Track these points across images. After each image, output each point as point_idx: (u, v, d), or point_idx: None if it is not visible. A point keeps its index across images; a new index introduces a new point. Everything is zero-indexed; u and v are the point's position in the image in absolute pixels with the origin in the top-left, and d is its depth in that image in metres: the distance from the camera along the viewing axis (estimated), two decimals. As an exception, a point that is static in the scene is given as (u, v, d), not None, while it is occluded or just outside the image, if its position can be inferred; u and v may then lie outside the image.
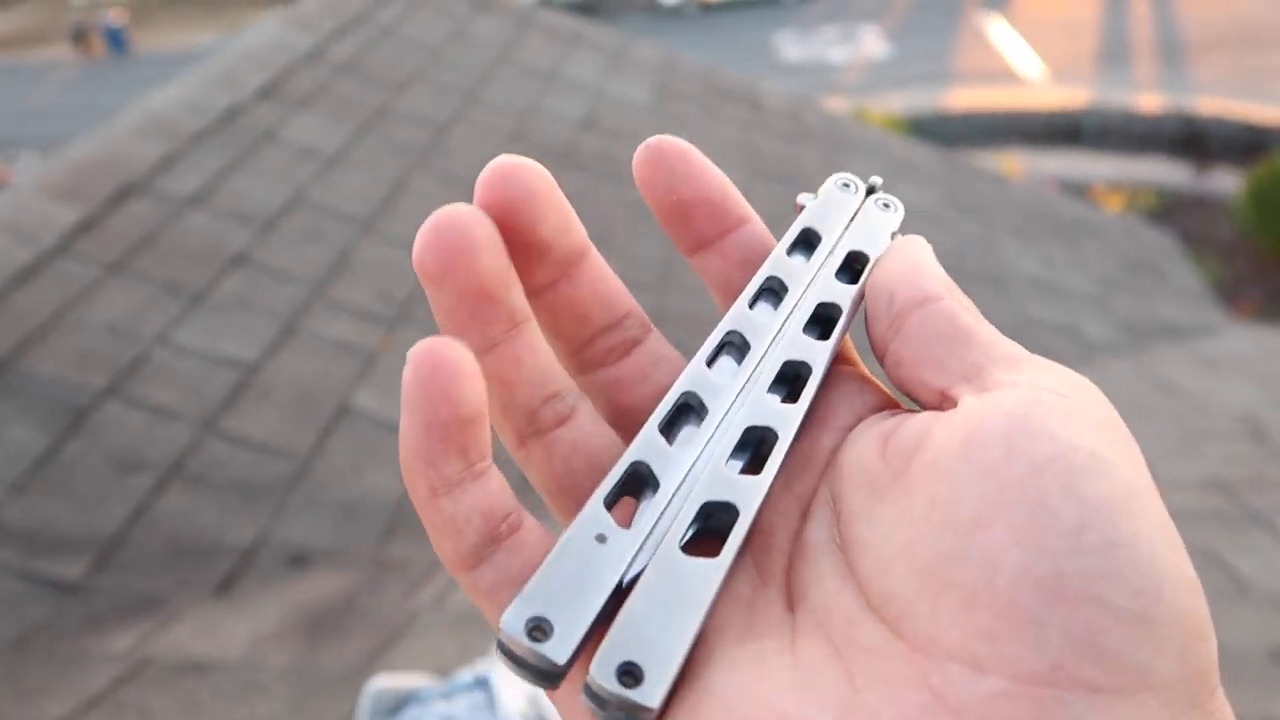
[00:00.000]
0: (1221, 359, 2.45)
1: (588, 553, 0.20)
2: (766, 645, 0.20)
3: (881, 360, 0.24)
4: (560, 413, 0.24)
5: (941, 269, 0.24)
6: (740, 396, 0.24)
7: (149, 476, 1.36)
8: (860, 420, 0.24)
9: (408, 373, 0.20)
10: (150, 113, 2.03)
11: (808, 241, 0.27)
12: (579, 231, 0.24)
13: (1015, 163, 6.53)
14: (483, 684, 0.80)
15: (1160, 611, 0.17)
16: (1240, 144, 6.76)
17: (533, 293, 0.24)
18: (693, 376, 0.24)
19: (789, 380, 0.24)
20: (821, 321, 0.26)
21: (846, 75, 9.64)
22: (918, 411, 0.23)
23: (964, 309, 0.23)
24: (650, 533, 0.21)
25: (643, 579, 0.20)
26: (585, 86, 2.72)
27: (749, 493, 0.22)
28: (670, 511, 0.21)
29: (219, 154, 1.97)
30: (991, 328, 0.22)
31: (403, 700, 0.84)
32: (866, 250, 0.27)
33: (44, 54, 12.91)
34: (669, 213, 0.26)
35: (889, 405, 0.25)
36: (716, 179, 0.26)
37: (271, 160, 2.02)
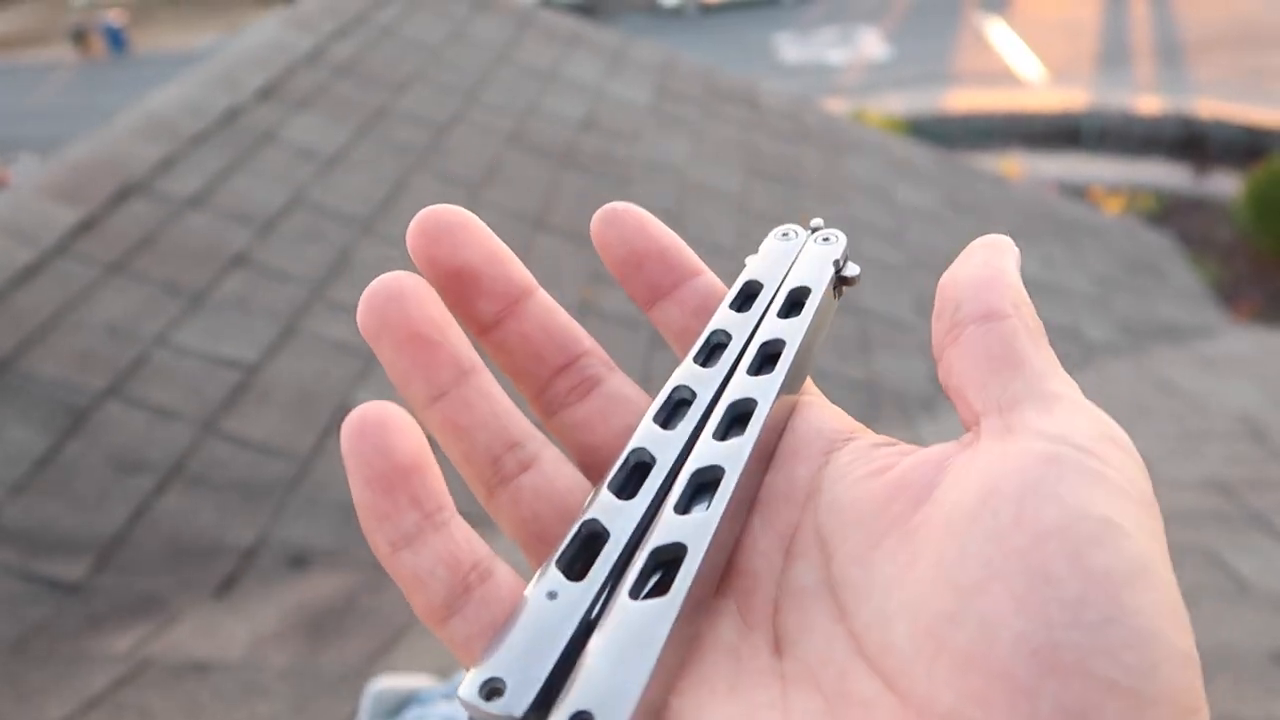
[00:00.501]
0: (1221, 360, 2.45)
1: (540, 611, 0.21)
2: (757, 698, 0.20)
3: (938, 362, 0.24)
4: (523, 460, 0.24)
5: (1019, 282, 0.24)
6: (690, 446, 0.24)
7: (149, 477, 1.36)
8: (832, 449, 0.24)
9: (343, 440, 0.21)
10: (150, 113, 2.03)
11: (750, 294, 0.28)
12: (517, 266, 0.25)
13: (1014, 164, 6.53)
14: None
15: (1153, 689, 0.16)
16: (1239, 146, 6.76)
17: (481, 332, 0.25)
18: (643, 434, 0.24)
19: (739, 421, 0.24)
20: (769, 360, 0.26)
21: (846, 76, 9.64)
22: (906, 446, 0.23)
23: (1026, 332, 0.22)
24: (604, 585, 0.21)
25: (597, 630, 0.20)
26: (585, 87, 2.72)
27: (698, 530, 0.22)
28: (623, 563, 0.22)
29: (219, 154, 1.97)
30: (1048, 357, 0.22)
31: (404, 701, 0.84)
32: (808, 284, 0.27)
33: (44, 54, 12.91)
34: (625, 266, 0.27)
35: (855, 432, 0.25)
36: (668, 235, 0.27)
37: (271, 161, 2.02)
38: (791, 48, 10.69)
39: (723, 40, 11.04)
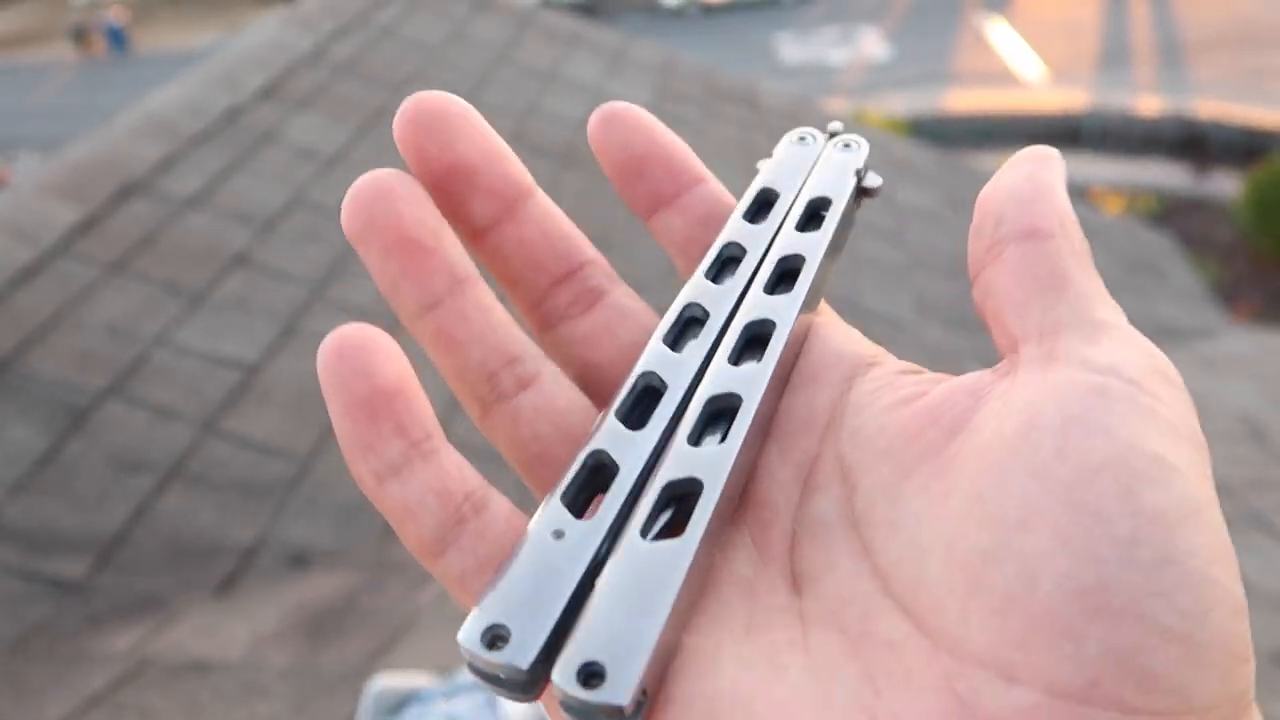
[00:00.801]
0: (1221, 360, 2.45)
1: (545, 551, 0.19)
2: (777, 638, 0.19)
3: (974, 281, 0.22)
4: (522, 377, 0.22)
5: (1066, 199, 0.21)
6: (703, 370, 0.22)
7: (149, 476, 1.36)
8: (854, 375, 0.23)
9: (320, 365, 0.19)
10: (150, 113, 2.03)
11: (766, 202, 0.26)
12: (515, 165, 0.23)
13: (1015, 164, 6.52)
14: (483, 684, 0.80)
15: (1206, 635, 0.16)
16: (1240, 146, 6.76)
17: (474, 237, 0.23)
18: (652, 356, 0.22)
19: (756, 344, 0.23)
20: (787, 277, 0.24)
21: (846, 76, 9.64)
22: (935, 375, 0.22)
23: (1072, 253, 0.20)
24: (613, 524, 0.19)
25: (605, 572, 0.19)
26: (585, 87, 2.72)
27: (714, 465, 0.20)
28: (633, 499, 0.20)
29: (219, 154, 1.97)
30: (1094, 281, 0.20)
31: (404, 700, 0.84)
32: (829, 194, 0.25)
33: (44, 53, 12.91)
34: (624, 171, 0.25)
35: (877, 357, 0.23)
36: (669, 138, 0.25)
37: (272, 161, 2.02)
38: (792, 48, 10.69)
39: (723, 40, 11.04)
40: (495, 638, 0.18)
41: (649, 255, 2.16)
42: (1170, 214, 5.91)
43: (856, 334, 0.24)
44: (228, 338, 1.60)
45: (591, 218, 2.22)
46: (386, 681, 0.87)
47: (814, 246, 0.24)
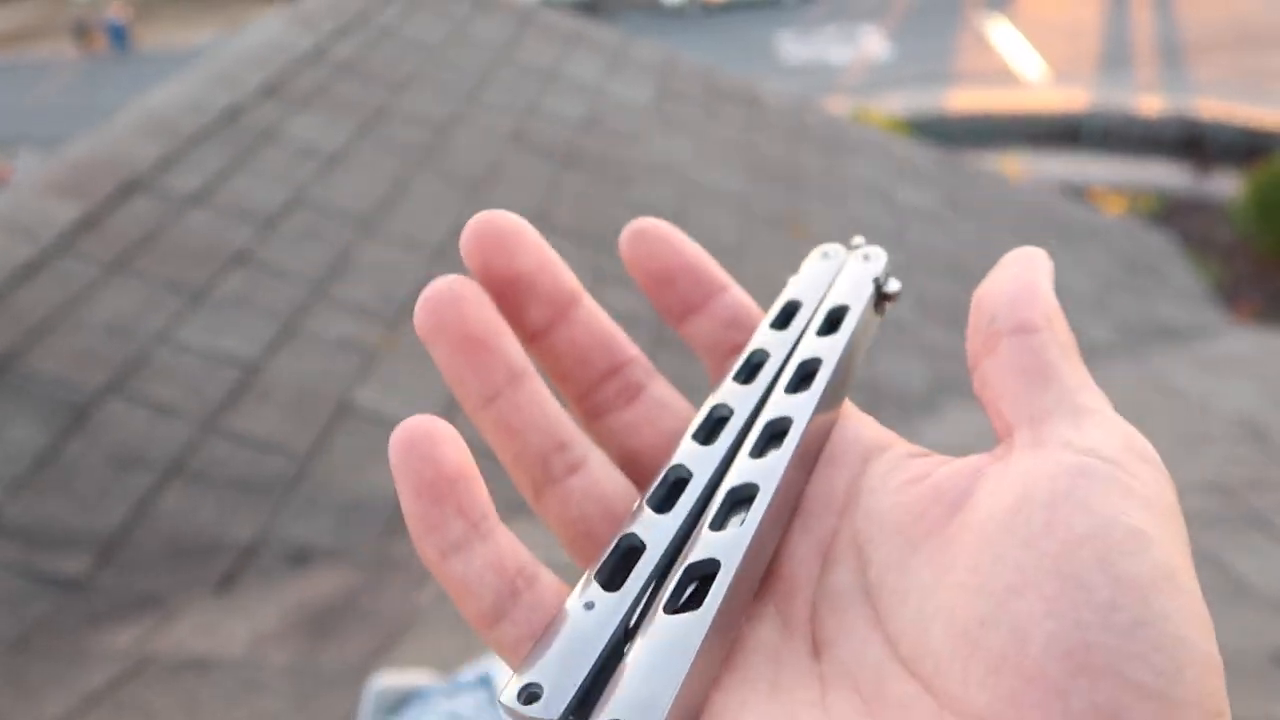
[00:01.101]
0: (1221, 361, 2.45)
1: (577, 620, 0.21)
2: (797, 698, 0.20)
3: (972, 373, 0.24)
4: (571, 462, 0.25)
5: (1052, 295, 0.24)
6: (728, 462, 0.24)
7: (150, 474, 1.36)
8: (868, 458, 0.25)
9: (392, 454, 0.21)
10: (151, 111, 2.03)
11: (790, 312, 0.28)
12: (566, 274, 0.26)
13: (1015, 164, 6.53)
14: (486, 682, 0.80)
15: (1180, 692, 0.17)
16: (1240, 147, 6.76)
17: (531, 339, 0.26)
18: (683, 451, 0.25)
19: (776, 438, 0.25)
20: (806, 378, 0.26)
21: (847, 76, 9.64)
22: (940, 457, 0.23)
23: (1058, 346, 0.23)
24: (638, 596, 0.22)
25: (633, 641, 0.21)
26: (586, 86, 2.72)
27: (731, 547, 0.22)
28: (659, 575, 0.22)
29: (220, 153, 1.97)
30: (1079, 371, 0.23)
31: (405, 698, 0.84)
32: (847, 302, 0.28)
33: (46, 50, 12.91)
34: (656, 282, 0.27)
35: (890, 442, 0.25)
36: (695, 249, 0.28)
37: (272, 159, 2.02)
38: (793, 47, 10.69)
39: (724, 39, 11.03)
40: (530, 695, 0.20)
41: (649, 254, 2.16)
42: (1171, 214, 5.90)
43: (871, 421, 0.27)
44: (228, 336, 1.60)
45: (591, 218, 2.22)
46: (387, 680, 0.87)
47: (831, 350, 0.26)
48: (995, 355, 0.23)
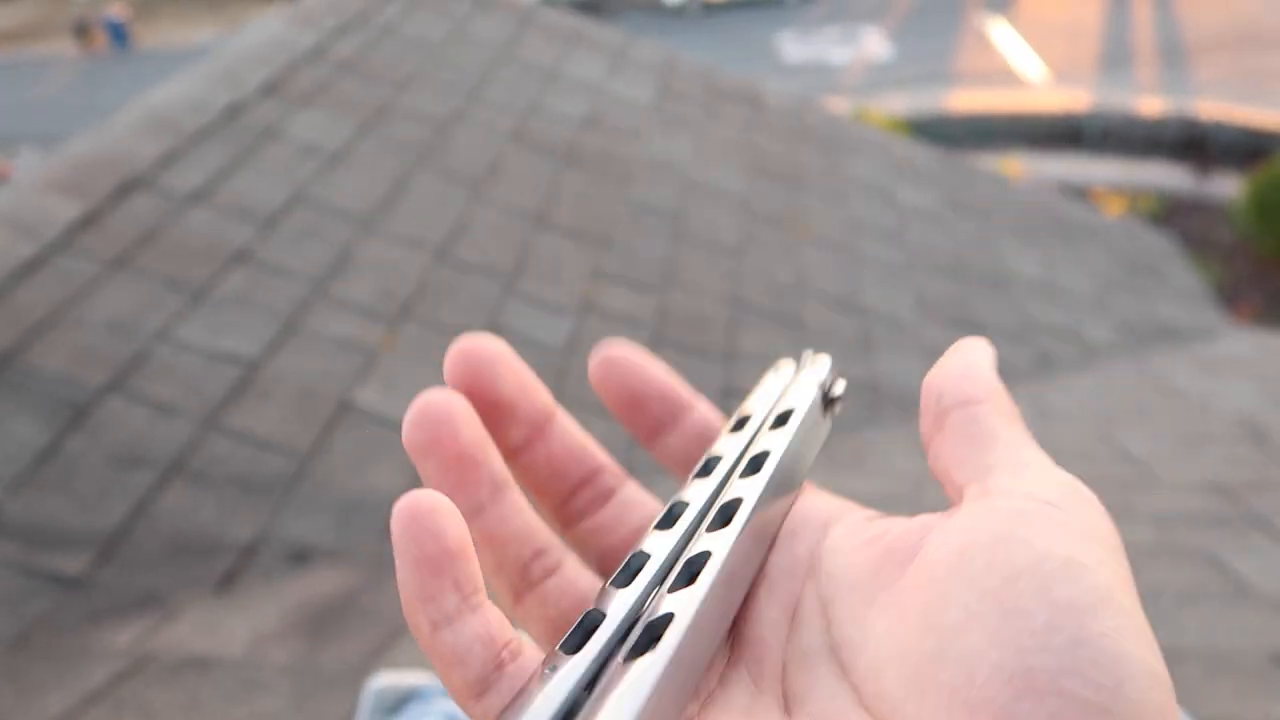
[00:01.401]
0: (1222, 361, 2.45)
1: (542, 682, 0.22)
2: None
3: (926, 450, 0.26)
4: (548, 566, 0.26)
5: (994, 373, 0.26)
6: (685, 543, 0.26)
7: (150, 473, 1.36)
8: (827, 525, 0.26)
9: (395, 525, 0.22)
10: (152, 109, 2.03)
11: (744, 420, 0.30)
12: (543, 393, 0.27)
13: (1016, 165, 6.53)
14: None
15: (1122, 706, 0.18)
16: (1241, 148, 6.76)
17: (510, 455, 0.27)
18: (645, 540, 0.26)
19: (728, 515, 0.26)
20: (756, 466, 0.28)
21: (848, 76, 9.64)
22: (895, 519, 0.25)
23: (1000, 413, 0.25)
24: (598, 655, 0.23)
25: (592, 694, 0.22)
26: (587, 86, 2.72)
27: (687, 601, 0.23)
28: (618, 639, 0.23)
29: (221, 151, 1.97)
30: (1020, 433, 0.24)
31: (404, 698, 0.84)
32: (794, 405, 0.30)
33: (46, 48, 12.91)
34: (626, 407, 0.29)
35: (846, 510, 0.27)
36: (661, 373, 0.29)
37: (273, 157, 2.02)
38: (793, 47, 10.68)
39: (725, 39, 11.03)
40: None
41: (649, 255, 2.16)
42: (1171, 215, 5.91)
43: (827, 495, 0.29)
44: (229, 334, 1.60)
45: (592, 217, 2.22)
46: (387, 679, 0.87)
47: (779, 440, 0.28)
48: (944, 430, 0.25)
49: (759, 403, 0.31)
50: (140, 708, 1.00)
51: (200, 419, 1.45)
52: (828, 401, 0.31)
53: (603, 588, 0.25)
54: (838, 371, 0.32)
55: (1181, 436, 1.75)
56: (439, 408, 0.25)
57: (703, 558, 0.25)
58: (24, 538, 1.25)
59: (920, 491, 1.44)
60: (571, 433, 0.28)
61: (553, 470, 0.28)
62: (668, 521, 0.27)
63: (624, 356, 0.29)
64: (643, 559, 0.25)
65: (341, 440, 1.51)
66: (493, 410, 0.26)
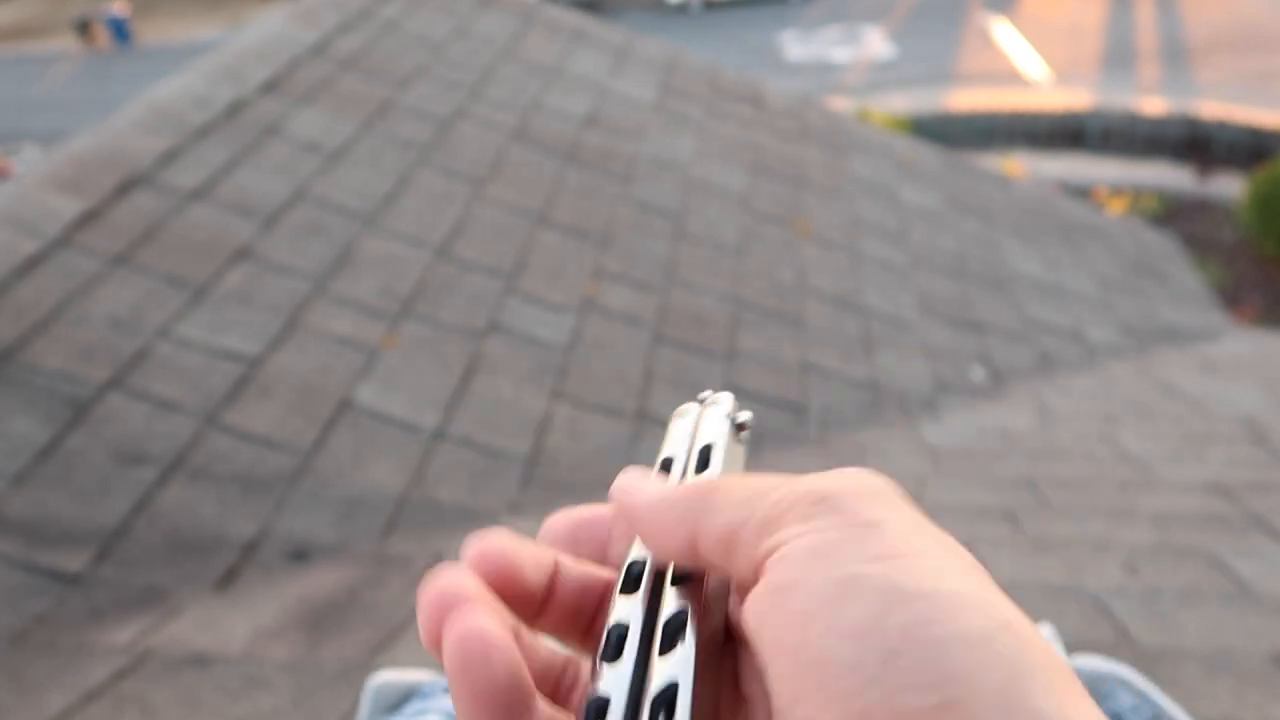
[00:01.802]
0: (1223, 362, 2.45)
1: None
2: None
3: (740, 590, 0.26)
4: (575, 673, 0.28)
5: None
6: (655, 602, 0.27)
7: (151, 469, 1.36)
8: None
9: (449, 659, 0.23)
10: (154, 105, 2.03)
11: (667, 466, 0.32)
12: (549, 559, 0.28)
13: (1018, 164, 6.52)
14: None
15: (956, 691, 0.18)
16: (1243, 148, 6.76)
17: (531, 620, 0.28)
18: (613, 608, 0.27)
19: (678, 630, 0.27)
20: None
21: (850, 75, 9.63)
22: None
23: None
24: None
25: None
26: (589, 84, 2.72)
27: (682, 661, 0.24)
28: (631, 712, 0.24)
29: (222, 147, 1.97)
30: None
31: (405, 695, 0.84)
32: (712, 440, 0.32)
33: (48, 45, 12.92)
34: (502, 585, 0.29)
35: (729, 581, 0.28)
36: (537, 547, 0.29)
37: (275, 154, 2.02)
38: (796, 46, 10.68)
39: (727, 38, 11.03)
40: None
41: (649, 254, 2.16)
42: (1173, 215, 5.90)
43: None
44: (230, 331, 1.60)
45: (593, 216, 2.22)
46: (387, 676, 0.87)
47: (713, 468, 0.30)
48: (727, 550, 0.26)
49: (677, 447, 0.33)
50: (140, 705, 1.00)
51: (201, 416, 1.45)
52: (738, 428, 0.33)
53: (594, 665, 0.26)
54: (739, 404, 0.34)
55: (1182, 437, 1.75)
56: (478, 645, 0.25)
57: (680, 619, 0.26)
58: (24, 534, 1.25)
59: (922, 490, 1.43)
60: (573, 571, 0.29)
61: (571, 610, 0.29)
62: (631, 585, 0.28)
63: (497, 547, 0.28)
64: (622, 629, 0.26)
65: (342, 437, 1.51)
66: (518, 600, 0.27)
